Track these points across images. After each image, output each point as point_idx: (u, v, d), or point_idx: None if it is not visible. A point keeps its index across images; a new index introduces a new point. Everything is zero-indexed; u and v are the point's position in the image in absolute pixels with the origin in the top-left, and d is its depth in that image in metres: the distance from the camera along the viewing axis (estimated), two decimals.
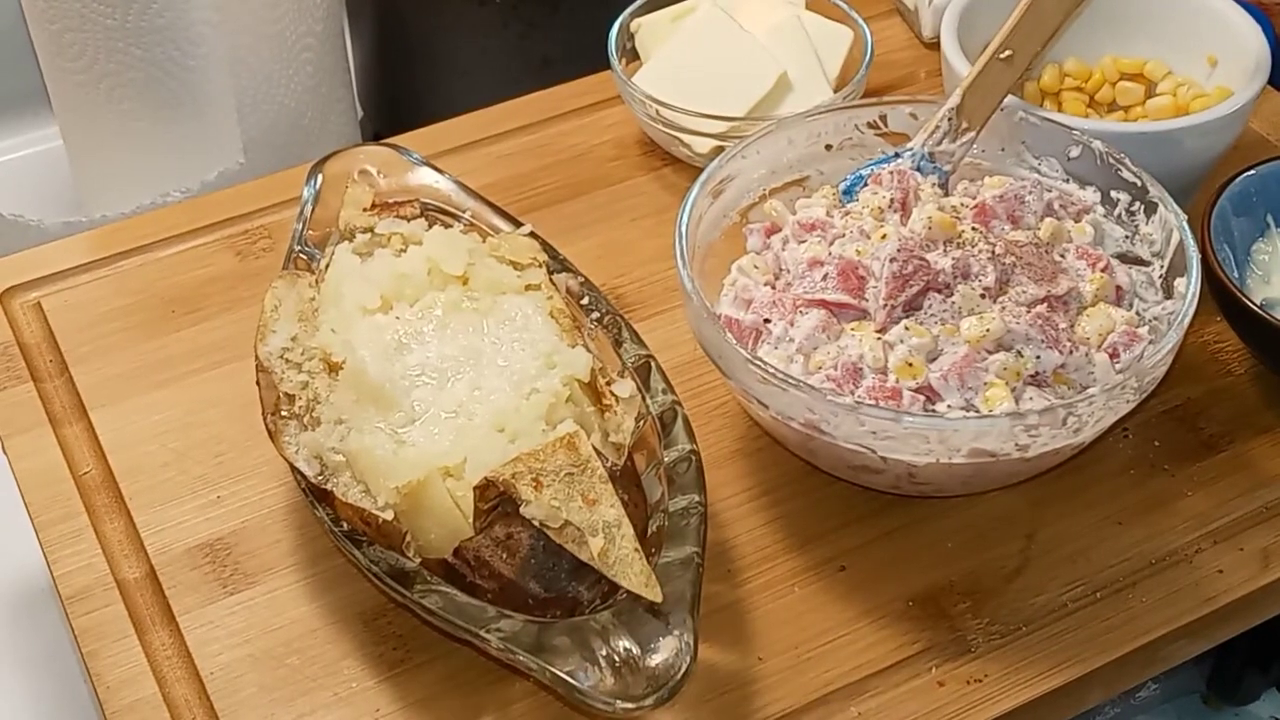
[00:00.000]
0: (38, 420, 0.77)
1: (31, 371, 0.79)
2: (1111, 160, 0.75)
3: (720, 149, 0.83)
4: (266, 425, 0.66)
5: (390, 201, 0.76)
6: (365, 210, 0.75)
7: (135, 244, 0.86)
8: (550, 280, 0.72)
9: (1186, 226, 0.72)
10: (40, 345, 0.81)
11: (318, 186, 0.76)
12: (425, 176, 0.78)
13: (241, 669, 0.66)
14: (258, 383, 0.68)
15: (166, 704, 0.65)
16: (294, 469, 0.66)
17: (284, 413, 0.67)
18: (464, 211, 0.77)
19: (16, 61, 1.18)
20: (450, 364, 0.68)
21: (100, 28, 0.98)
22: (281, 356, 0.68)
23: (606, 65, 0.90)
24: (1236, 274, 0.78)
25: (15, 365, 0.79)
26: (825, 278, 0.71)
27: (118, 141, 1.05)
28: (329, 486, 0.64)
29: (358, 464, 0.64)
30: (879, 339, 0.68)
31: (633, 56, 0.93)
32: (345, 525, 0.64)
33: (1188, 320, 0.67)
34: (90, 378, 0.79)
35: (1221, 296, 0.75)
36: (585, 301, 0.73)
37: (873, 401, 0.66)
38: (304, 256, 0.74)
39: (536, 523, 0.61)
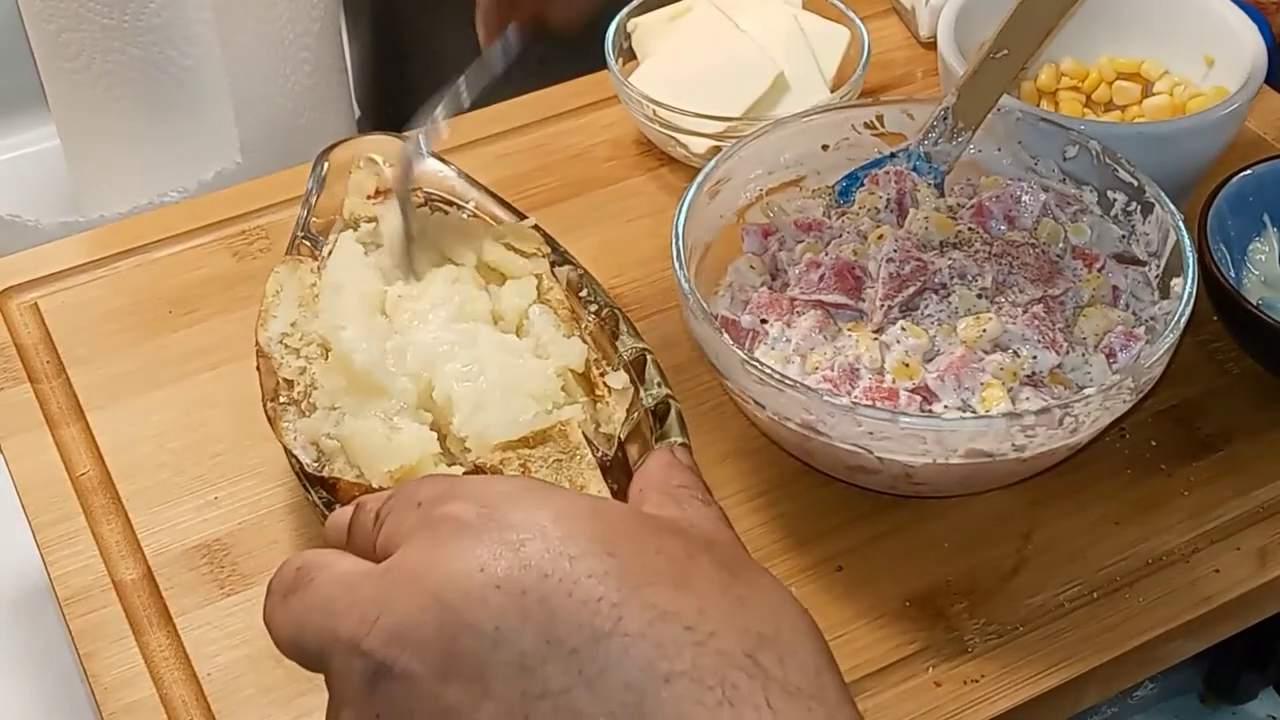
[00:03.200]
0: (35, 421, 0.76)
1: (29, 372, 0.79)
2: (1108, 160, 0.75)
3: (717, 149, 0.83)
4: (266, 411, 0.66)
5: None
6: (369, 198, 0.75)
7: (132, 244, 0.86)
8: (552, 272, 0.72)
9: (1183, 226, 0.72)
10: (37, 346, 0.81)
11: (323, 174, 0.76)
12: (430, 166, 0.78)
13: (239, 670, 0.66)
14: (258, 368, 0.68)
15: (164, 705, 0.65)
16: (289, 454, 0.66)
17: (283, 399, 0.67)
18: (468, 202, 0.77)
19: (13, 61, 1.18)
20: (445, 350, 0.68)
21: (97, 27, 0.98)
22: (281, 342, 0.68)
23: (603, 65, 0.90)
24: (1233, 274, 0.78)
25: (12, 366, 0.79)
26: (822, 278, 0.71)
27: (115, 141, 1.05)
28: (325, 473, 0.64)
29: (351, 448, 0.64)
30: (876, 339, 0.68)
31: (629, 56, 0.92)
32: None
33: (1184, 320, 0.67)
34: (87, 378, 0.79)
35: (1218, 296, 0.75)
36: (584, 294, 0.73)
37: (869, 402, 0.66)
38: (307, 243, 0.74)
39: None
